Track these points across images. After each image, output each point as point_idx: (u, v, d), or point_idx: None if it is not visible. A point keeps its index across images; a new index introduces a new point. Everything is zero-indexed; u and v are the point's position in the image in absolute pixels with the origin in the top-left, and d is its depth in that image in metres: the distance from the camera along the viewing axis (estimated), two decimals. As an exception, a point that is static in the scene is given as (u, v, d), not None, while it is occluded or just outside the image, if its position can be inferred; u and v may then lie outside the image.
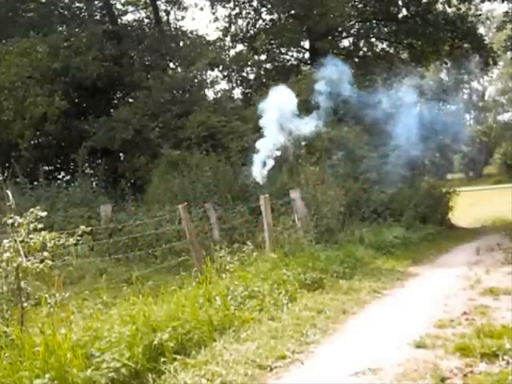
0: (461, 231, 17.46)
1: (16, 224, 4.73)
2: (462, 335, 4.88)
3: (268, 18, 22.86)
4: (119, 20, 21.50)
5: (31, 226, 4.74)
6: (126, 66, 18.89)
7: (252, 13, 22.95)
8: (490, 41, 26.19)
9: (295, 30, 21.16)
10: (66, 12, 20.63)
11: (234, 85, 22.26)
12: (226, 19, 23.15)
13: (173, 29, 22.57)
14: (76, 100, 18.13)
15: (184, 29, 22.44)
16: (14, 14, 18.82)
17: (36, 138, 17.51)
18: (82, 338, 4.21)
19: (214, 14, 23.43)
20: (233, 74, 21.74)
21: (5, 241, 4.64)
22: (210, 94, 20.47)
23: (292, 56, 24.72)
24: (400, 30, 23.00)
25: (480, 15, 23.79)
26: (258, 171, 12.02)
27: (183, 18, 24.21)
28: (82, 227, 5.22)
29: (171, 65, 21.02)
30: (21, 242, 4.65)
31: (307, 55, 23.85)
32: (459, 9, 22.78)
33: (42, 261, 4.65)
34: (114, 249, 10.76)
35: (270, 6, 22.16)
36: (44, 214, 4.83)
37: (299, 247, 8.76)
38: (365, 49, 24.37)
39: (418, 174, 18.34)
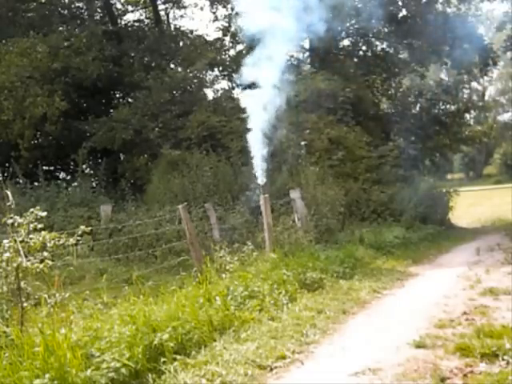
0: (461, 231, 17.45)
1: (16, 224, 4.74)
2: (461, 335, 4.88)
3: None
4: (119, 20, 21.50)
5: (31, 225, 4.75)
6: (125, 66, 18.90)
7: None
8: (489, 41, 26.17)
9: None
10: (65, 12, 20.63)
11: (234, 85, 22.26)
12: (226, 19, 23.16)
13: (173, 29, 22.57)
14: (76, 100, 18.13)
15: (184, 29, 22.46)
16: (14, 14, 18.81)
17: (36, 138, 17.52)
18: (82, 338, 4.21)
19: (213, 13, 23.43)
20: (233, 74, 21.71)
21: (5, 241, 4.64)
22: (209, 93, 20.50)
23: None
24: (400, 29, 22.98)
25: (480, 15, 23.80)
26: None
27: (183, 17, 24.17)
28: (82, 227, 5.23)
29: (171, 65, 21.02)
30: (21, 242, 4.65)
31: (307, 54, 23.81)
32: (459, 9, 22.78)
33: (42, 261, 4.66)
34: (113, 249, 10.80)
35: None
36: (44, 214, 4.84)
37: (299, 247, 8.77)
38: (364, 48, 24.33)
39: (418, 173, 18.37)
